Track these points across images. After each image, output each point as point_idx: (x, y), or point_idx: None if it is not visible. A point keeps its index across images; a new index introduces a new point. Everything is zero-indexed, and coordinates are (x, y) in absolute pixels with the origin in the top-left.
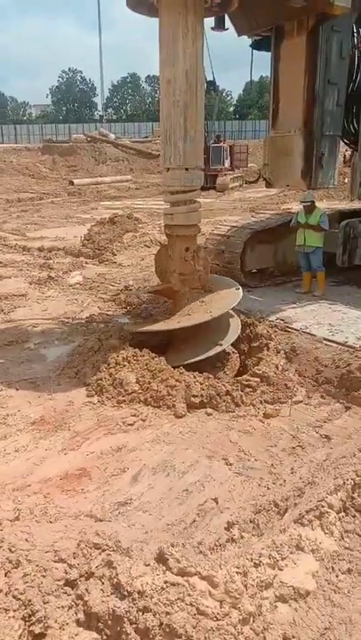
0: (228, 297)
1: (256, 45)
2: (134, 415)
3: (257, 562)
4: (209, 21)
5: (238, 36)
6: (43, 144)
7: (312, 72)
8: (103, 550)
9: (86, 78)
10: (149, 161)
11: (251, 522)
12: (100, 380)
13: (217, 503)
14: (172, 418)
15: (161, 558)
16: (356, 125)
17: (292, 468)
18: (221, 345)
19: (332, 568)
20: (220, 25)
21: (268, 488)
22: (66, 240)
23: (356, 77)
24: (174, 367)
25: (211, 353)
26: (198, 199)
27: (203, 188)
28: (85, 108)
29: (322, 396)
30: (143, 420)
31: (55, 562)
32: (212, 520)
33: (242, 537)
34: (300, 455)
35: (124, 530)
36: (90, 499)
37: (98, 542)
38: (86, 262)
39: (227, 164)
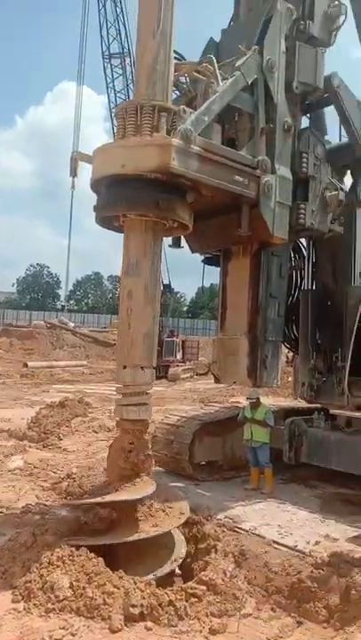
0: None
1: (207, 261)
2: (63, 628)
3: None
4: (168, 239)
5: (192, 253)
6: (2, 327)
7: (255, 287)
8: None
9: (52, 272)
10: (105, 348)
11: None
12: (29, 582)
13: None
14: (106, 632)
15: None
16: (295, 332)
17: None
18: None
19: None
20: (176, 243)
21: None
22: (12, 422)
23: (293, 292)
24: (94, 546)
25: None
26: (133, 396)
27: (155, 377)
28: (49, 298)
29: (272, 609)
30: (73, 635)
31: None
32: None
33: None
34: None
35: None
36: None
37: None
38: (30, 446)
39: (179, 356)
